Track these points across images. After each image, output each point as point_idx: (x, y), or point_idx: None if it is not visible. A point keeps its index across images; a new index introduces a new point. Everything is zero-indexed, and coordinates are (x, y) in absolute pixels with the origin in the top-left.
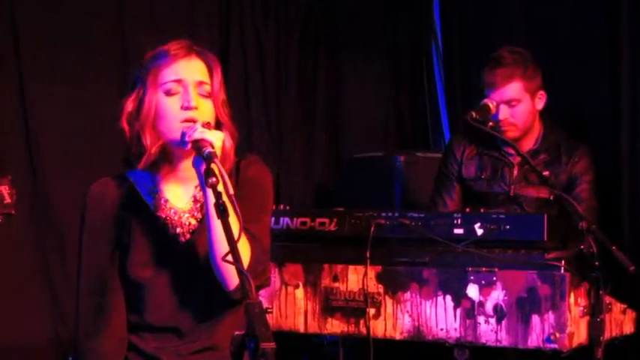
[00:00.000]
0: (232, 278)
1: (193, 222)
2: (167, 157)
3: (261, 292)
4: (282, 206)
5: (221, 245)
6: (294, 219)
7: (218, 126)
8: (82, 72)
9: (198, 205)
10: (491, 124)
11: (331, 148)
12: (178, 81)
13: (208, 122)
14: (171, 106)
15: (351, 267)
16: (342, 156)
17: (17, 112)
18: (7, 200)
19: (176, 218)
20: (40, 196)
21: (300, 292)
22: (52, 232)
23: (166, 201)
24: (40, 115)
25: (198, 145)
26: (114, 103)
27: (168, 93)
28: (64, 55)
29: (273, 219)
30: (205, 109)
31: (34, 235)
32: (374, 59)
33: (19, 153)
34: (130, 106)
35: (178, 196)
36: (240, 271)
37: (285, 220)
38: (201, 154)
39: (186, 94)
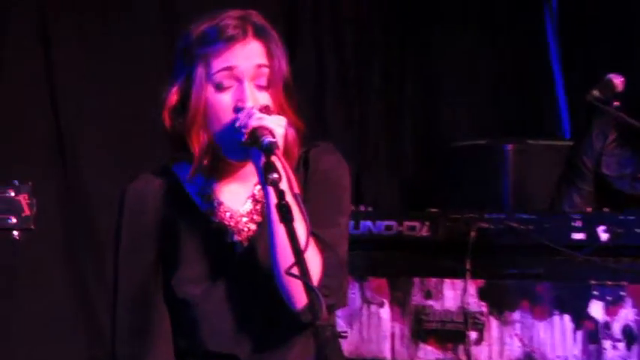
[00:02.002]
0: (300, 295)
1: (253, 227)
2: (221, 159)
3: (338, 312)
4: (363, 207)
5: (285, 255)
6: (378, 222)
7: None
8: (120, 63)
9: (258, 207)
10: (616, 103)
11: (423, 137)
12: (230, 69)
13: (267, 105)
14: (223, 104)
15: (447, 281)
16: (436, 146)
17: (46, 107)
18: (26, 212)
19: (232, 223)
20: (73, 200)
21: (385, 312)
22: (87, 241)
23: (220, 203)
24: (72, 110)
25: (256, 133)
26: (154, 93)
27: (220, 87)
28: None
29: (351, 222)
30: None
31: (66, 245)
32: (469, 34)
33: (48, 153)
34: (173, 98)
35: (235, 196)
36: (308, 287)
37: (366, 224)
38: (260, 145)
39: (241, 90)
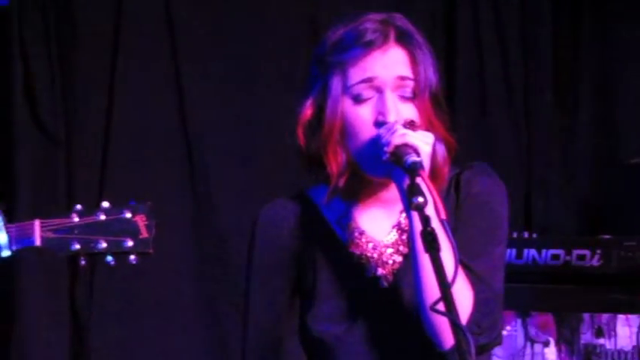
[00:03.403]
0: (447, 334)
1: (398, 259)
2: (361, 178)
3: (499, 351)
4: (527, 234)
5: (431, 289)
6: (543, 251)
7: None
8: (251, 75)
9: (404, 237)
10: None
11: (602, 155)
12: (369, 80)
13: (411, 120)
14: (362, 118)
15: (621, 317)
16: (613, 163)
17: (176, 120)
18: (144, 234)
19: (375, 255)
20: (203, 217)
21: (551, 352)
22: (218, 260)
23: (362, 232)
24: (202, 123)
25: (399, 152)
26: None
27: (358, 100)
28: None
29: (514, 251)
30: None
31: (196, 264)
32: None
33: (178, 170)
34: (307, 112)
35: (378, 224)
36: (454, 324)
37: (530, 253)
38: (403, 165)
39: (382, 103)
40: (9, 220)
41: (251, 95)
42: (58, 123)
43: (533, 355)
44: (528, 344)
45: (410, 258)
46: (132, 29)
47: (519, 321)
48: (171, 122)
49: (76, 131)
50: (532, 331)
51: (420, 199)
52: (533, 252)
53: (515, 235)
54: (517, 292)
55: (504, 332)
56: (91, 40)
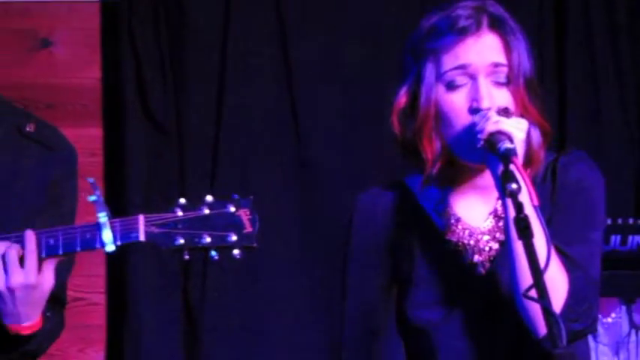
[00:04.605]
0: (542, 321)
1: (495, 246)
2: (457, 165)
3: (603, 338)
4: (631, 220)
5: (524, 276)
6: None
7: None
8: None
9: (501, 224)
10: None
11: None
12: (463, 67)
13: (505, 107)
14: (456, 104)
15: None
16: None
17: (286, 110)
18: (248, 229)
19: (472, 242)
20: (313, 208)
21: None
22: (329, 251)
23: (458, 219)
24: (313, 114)
25: (492, 139)
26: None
27: (451, 86)
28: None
29: (618, 237)
30: (502, 104)
31: (307, 256)
32: None
33: (287, 162)
34: (402, 100)
35: (474, 211)
36: (546, 310)
37: (635, 239)
38: (496, 151)
39: (475, 89)
40: (118, 213)
41: (364, 84)
42: (168, 114)
43: (638, 342)
44: (633, 331)
45: (505, 245)
46: (242, 20)
47: (624, 308)
48: (280, 113)
49: (186, 122)
50: (637, 318)
51: (514, 186)
52: (638, 238)
53: (619, 221)
54: (621, 278)
55: (609, 320)
56: (201, 30)
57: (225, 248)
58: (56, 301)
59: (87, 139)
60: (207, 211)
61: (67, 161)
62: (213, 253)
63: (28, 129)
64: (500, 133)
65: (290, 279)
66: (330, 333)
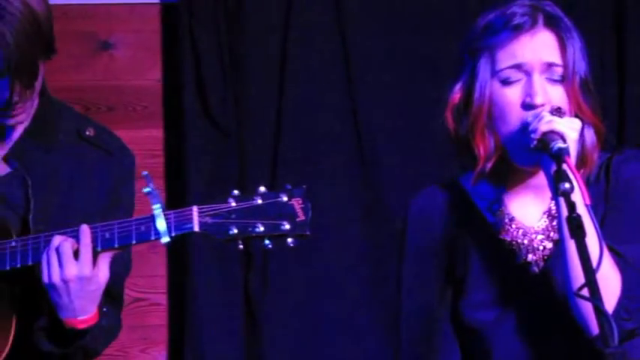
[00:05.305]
0: (595, 321)
1: (549, 245)
2: (509, 162)
3: None
4: None
5: (577, 275)
6: None
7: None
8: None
9: (555, 223)
10: None
11: None
12: (518, 66)
13: (559, 107)
14: (510, 99)
15: None
16: None
17: (346, 110)
18: (301, 217)
19: (526, 242)
20: (374, 204)
21: None
22: (389, 243)
23: (512, 219)
24: (374, 115)
25: (545, 139)
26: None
27: (506, 82)
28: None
29: None
30: (556, 101)
31: (368, 249)
32: None
33: (349, 161)
34: (456, 96)
35: (528, 210)
36: (597, 309)
37: None
38: (549, 151)
39: (530, 85)
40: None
41: (425, 81)
42: (228, 115)
43: None
44: None
45: (559, 244)
46: (301, 19)
47: None
48: (341, 113)
49: (246, 123)
50: None
51: (567, 185)
52: None
53: None
54: None
55: None
56: (261, 30)
57: (278, 237)
58: (113, 298)
59: (148, 140)
60: (259, 201)
61: (125, 166)
62: (267, 241)
63: (87, 133)
64: (553, 132)
65: (350, 273)
66: (386, 322)
